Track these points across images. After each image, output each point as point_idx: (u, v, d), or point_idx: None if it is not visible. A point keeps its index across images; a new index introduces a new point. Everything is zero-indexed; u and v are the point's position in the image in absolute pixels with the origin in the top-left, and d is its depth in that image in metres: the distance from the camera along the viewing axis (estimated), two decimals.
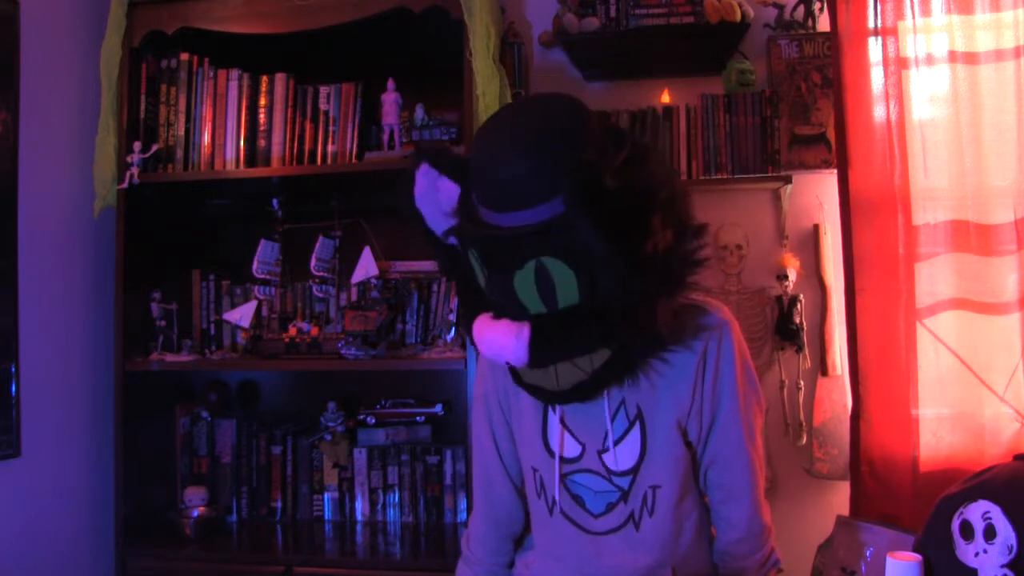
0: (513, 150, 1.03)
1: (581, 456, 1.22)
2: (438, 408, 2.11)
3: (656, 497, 1.21)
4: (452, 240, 1.13)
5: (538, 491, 1.27)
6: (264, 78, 2.06)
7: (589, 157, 0.98)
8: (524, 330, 1.01)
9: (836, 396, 2.05)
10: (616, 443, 1.20)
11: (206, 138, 2.05)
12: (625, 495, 1.21)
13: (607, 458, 1.21)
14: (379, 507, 2.14)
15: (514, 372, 1.14)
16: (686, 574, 1.24)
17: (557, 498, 1.24)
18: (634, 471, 1.20)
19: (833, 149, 1.97)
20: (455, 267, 1.16)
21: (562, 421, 1.24)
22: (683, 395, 1.19)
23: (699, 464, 1.23)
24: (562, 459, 1.23)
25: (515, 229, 1.01)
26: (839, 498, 1.96)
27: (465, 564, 1.37)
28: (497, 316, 1.05)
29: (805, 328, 2.07)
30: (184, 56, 2.08)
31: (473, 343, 1.09)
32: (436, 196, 1.14)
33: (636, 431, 1.20)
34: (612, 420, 1.20)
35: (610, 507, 1.22)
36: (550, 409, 1.24)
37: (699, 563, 1.26)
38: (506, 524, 1.35)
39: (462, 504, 2.09)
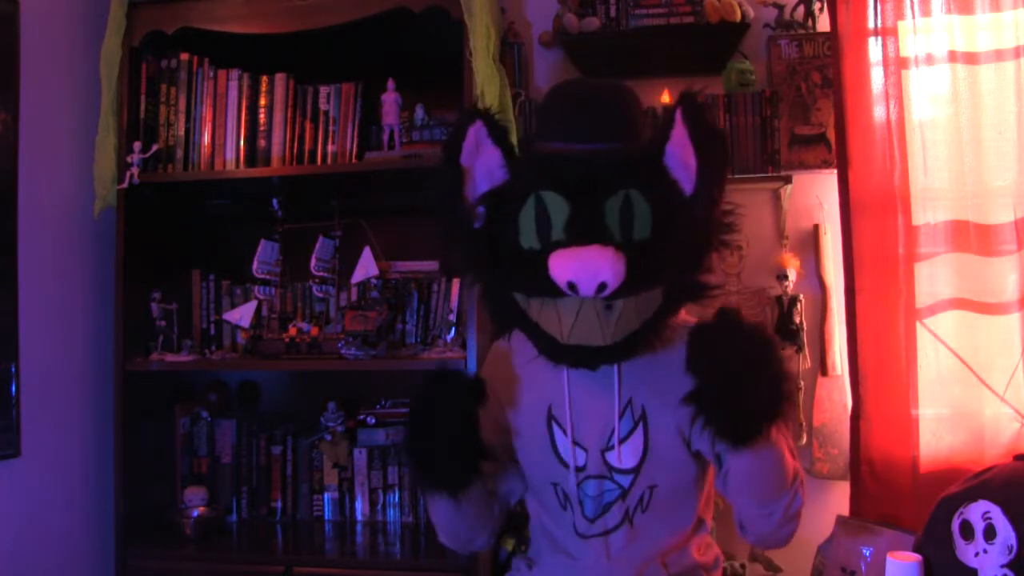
0: (601, 95, 1.15)
1: (586, 463, 1.23)
2: None
3: (653, 495, 1.22)
4: (480, 210, 1.16)
5: (563, 504, 1.27)
6: (264, 78, 2.06)
7: (698, 95, 1.08)
8: (620, 252, 1.04)
9: (836, 396, 2.05)
10: (622, 441, 1.21)
11: (206, 138, 2.05)
12: (625, 493, 1.22)
13: (611, 456, 1.22)
14: (379, 507, 2.14)
15: (548, 342, 1.14)
16: (679, 569, 1.24)
17: (572, 499, 1.24)
18: (636, 470, 1.21)
19: (833, 149, 1.97)
20: (472, 237, 1.16)
21: (565, 431, 1.24)
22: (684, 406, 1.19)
23: (717, 464, 1.22)
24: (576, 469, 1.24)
25: (610, 151, 1.10)
26: (839, 498, 1.96)
27: None
28: (581, 243, 1.06)
29: (805, 328, 2.07)
30: (184, 56, 2.08)
31: (537, 280, 1.07)
32: (476, 159, 1.17)
33: (640, 432, 1.21)
34: (620, 418, 1.21)
35: (607, 507, 1.23)
36: (554, 424, 1.25)
37: (691, 560, 1.26)
38: None
39: None
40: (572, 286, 1.04)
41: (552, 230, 1.09)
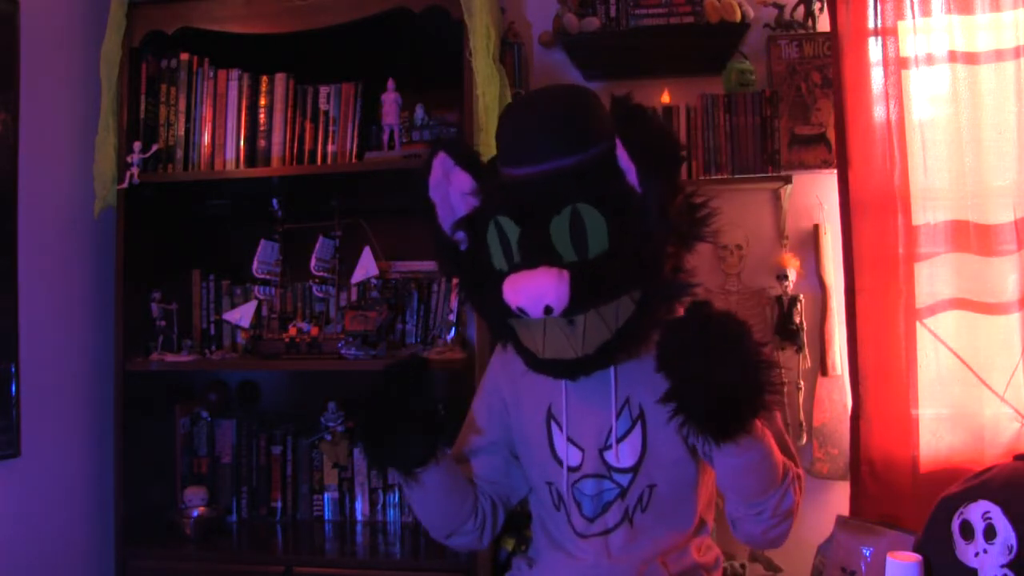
0: (547, 110, 1.14)
1: (582, 463, 1.24)
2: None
3: (652, 495, 1.22)
4: (460, 235, 1.20)
5: (556, 504, 1.28)
6: (264, 78, 2.06)
7: (632, 99, 1.08)
8: (564, 273, 1.05)
9: (836, 396, 2.05)
10: (619, 440, 1.21)
11: (206, 138, 2.05)
12: (624, 492, 1.22)
13: (609, 455, 1.22)
14: (379, 507, 2.14)
15: (530, 356, 1.16)
16: (679, 569, 1.24)
17: (566, 499, 1.25)
18: (635, 469, 1.22)
19: (833, 149, 1.97)
20: (458, 259, 1.21)
21: (562, 428, 1.24)
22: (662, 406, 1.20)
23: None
24: (568, 468, 1.24)
25: (555, 171, 1.10)
26: (839, 498, 1.96)
27: None
28: (529, 266, 1.07)
29: (805, 328, 2.07)
30: (184, 56, 2.08)
31: (501, 302, 1.09)
32: (447, 188, 1.20)
33: (638, 430, 1.21)
34: (617, 417, 1.21)
35: (606, 507, 1.23)
36: (553, 424, 1.26)
37: (691, 560, 1.26)
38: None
39: None
40: (522, 310, 1.06)
41: (512, 253, 1.12)
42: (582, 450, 1.23)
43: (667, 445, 1.21)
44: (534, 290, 1.04)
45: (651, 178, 1.04)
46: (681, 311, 1.20)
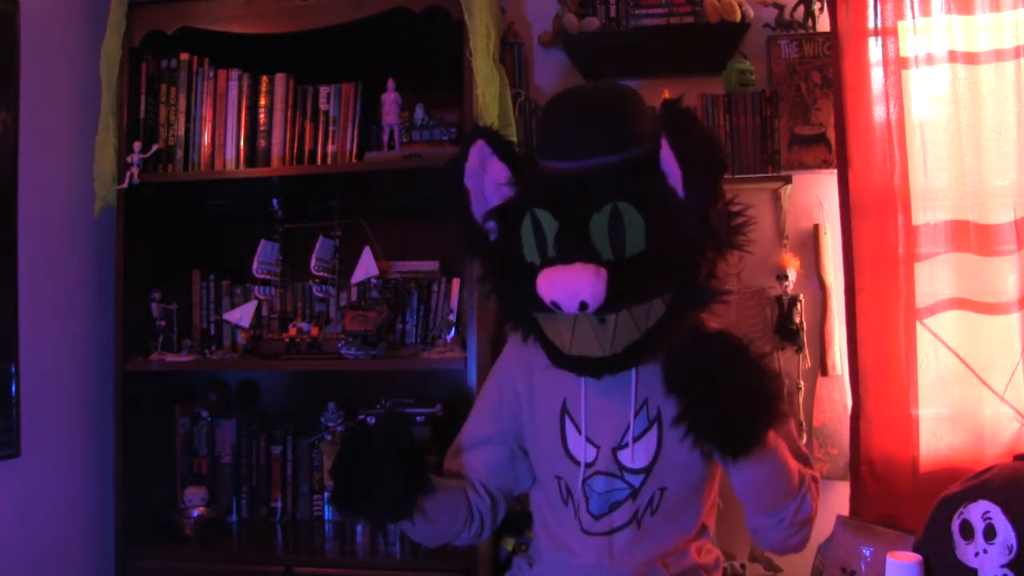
0: (592, 106, 1.13)
1: (595, 460, 1.23)
2: (438, 408, 2.10)
3: (663, 498, 1.22)
4: (490, 225, 1.19)
5: (564, 499, 1.27)
6: (264, 78, 2.06)
7: (681, 103, 1.08)
8: (602, 270, 1.04)
9: (836, 396, 2.05)
10: (636, 439, 1.21)
11: (206, 138, 2.05)
12: (635, 493, 1.22)
13: (623, 455, 1.22)
14: None
15: (554, 351, 1.15)
16: (679, 570, 1.24)
17: (575, 494, 1.25)
18: (647, 470, 1.21)
19: (833, 149, 1.97)
20: (486, 248, 1.21)
21: (577, 426, 1.24)
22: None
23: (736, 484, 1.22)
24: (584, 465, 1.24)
25: (597, 167, 1.09)
26: (839, 498, 1.96)
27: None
28: (566, 261, 1.06)
29: (805, 328, 2.07)
30: (184, 56, 2.08)
31: (535, 295, 1.07)
32: (483, 176, 1.20)
33: (654, 431, 1.21)
34: (635, 416, 1.21)
35: (615, 506, 1.23)
36: (567, 419, 1.25)
37: (691, 560, 1.27)
38: (483, 474, 1.34)
39: None
40: (556, 304, 1.06)
41: (547, 246, 1.11)
42: (597, 447, 1.23)
43: (681, 449, 1.19)
44: (571, 285, 1.04)
45: (696, 184, 1.03)
46: (706, 317, 1.21)
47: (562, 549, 1.28)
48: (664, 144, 1.05)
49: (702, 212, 1.05)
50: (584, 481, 1.24)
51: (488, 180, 1.20)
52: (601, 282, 1.03)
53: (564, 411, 1.26)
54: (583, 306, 1.04)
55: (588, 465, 1.23)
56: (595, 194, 1.08)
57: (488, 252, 1.22)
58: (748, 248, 1.14)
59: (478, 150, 1.19)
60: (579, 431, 1.24)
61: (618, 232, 1.07)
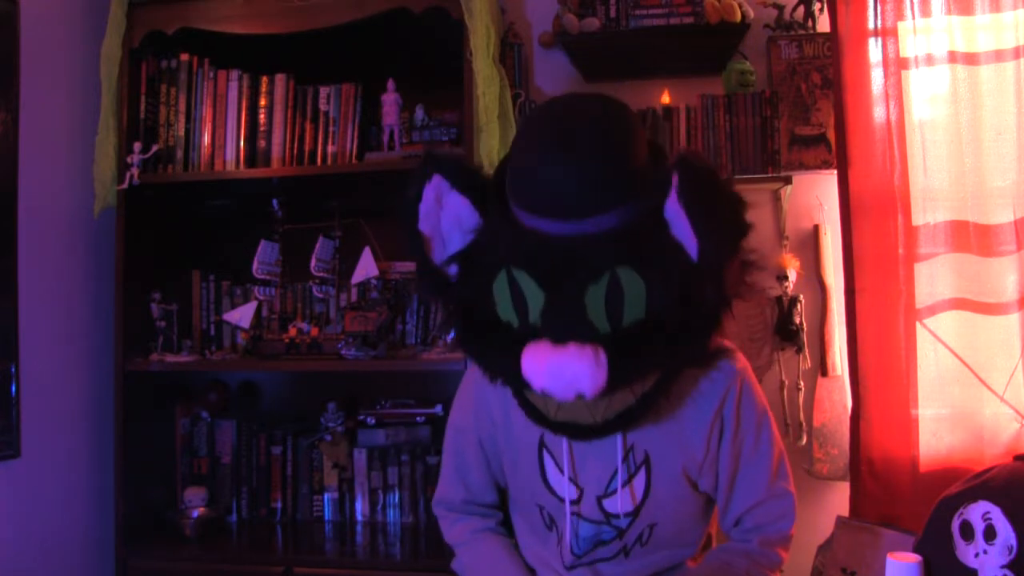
0: (582, 150, 0.92)
1: (579, 499, 1.17)
2: (438, 409, 2.11)
3: (653, 533, 1.19)
4: (452, 269, 1.04)
5: (548, 525, 1.22)
6: (264, 78, 2.06)
7: (692, 150, 0.97)
8: (601, 354, 0.90)
9: (836, 396, 2.05)
10: (623, 485, 1.14)
11: (206, 138, 2.05)
12: (622, 533, 1.18)
13: (608, 504, 1.16)
14: (379, 507, 2.14)
15: (536, 413, 1.04)
16: None
17: (570, 542, 1.18)
18: (634, 514, 1.16)
19: (833, 149, 1.97)
20: (447, 292, 1.06)
21: (559, 465, 1.18)
22: (694, 447, 1.15)
23: (724, 510, 1.21)
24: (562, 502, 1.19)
25: (594, 233, 0.91)
26: (839, 498, 1.96)
27: (451, 520, 1.31)
28: (557, 341, 0.92)
29: (805, 328, 2.07)
30: (184, 56, 2.08)
31: (520, 380, 0.94)
32: (439, 214, 1.03)
33: (642, 475, 1.15)
34: (623, 461, 1.14)
35: (598, 545, 1.19)
36: (545, 453, 1.17)
37: (684, 571, 1.25)
38: (480, 497, 1.31)
39: None
40: (546, 392, 0.93)
41: (529, 312, 0.96)
42: (580, 489, 1.16)
43: (672, 487, 1.15)
44: (567, 375, 0.90)
45: (715, 255, 0.90)
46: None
47: (547, 567, 1.24)
48: (677, 205, 0.90)
49: (719, 281, 0.92)
50: (570, 515, 1.17)
51: (446, 217, 1.02)
52: (602, 370, 0.90)
53: (542, 444, 1.17)
54: (580, 396, 0.92)
55: (573, 502, 1.16)
56: (592, 264, 0.92)
57: (449, 295, 1.06)
58: (751, 294, 1.01)
59: (433, 188, 1.01)
60: (560, 471, 1.16)
61: (616, 302, 0.92)
